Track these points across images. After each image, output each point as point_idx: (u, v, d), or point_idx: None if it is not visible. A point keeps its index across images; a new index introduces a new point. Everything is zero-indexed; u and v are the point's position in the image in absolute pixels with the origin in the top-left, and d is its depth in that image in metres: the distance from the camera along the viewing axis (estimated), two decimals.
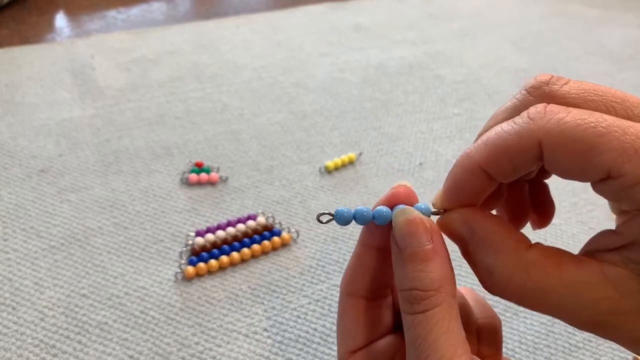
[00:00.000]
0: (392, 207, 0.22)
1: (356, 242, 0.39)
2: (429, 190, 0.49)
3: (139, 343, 0.35)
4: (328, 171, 0.50)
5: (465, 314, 0.24)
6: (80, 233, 0.42)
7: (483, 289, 0.21)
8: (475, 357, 0.20)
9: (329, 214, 0.22)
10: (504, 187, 0.23)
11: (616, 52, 0.74)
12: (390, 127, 0.57)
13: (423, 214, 0.21)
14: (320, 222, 0.22)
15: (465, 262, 0.21)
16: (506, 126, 0.19)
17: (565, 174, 0.19)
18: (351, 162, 0.51)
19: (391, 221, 0.21)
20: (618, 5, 0.87)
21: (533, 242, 0.20)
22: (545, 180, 0.25)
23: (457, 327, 0.19)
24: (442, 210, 0.22)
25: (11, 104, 0.56)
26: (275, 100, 0.59)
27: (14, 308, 0.37)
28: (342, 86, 0.62)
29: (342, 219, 0.21)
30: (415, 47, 0.71)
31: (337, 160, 0.50)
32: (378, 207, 0.21)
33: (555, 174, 0.19)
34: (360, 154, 0.52)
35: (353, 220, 0.22)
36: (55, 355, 0.34)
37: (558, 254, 0.19)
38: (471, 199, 0.21)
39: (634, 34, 0.79)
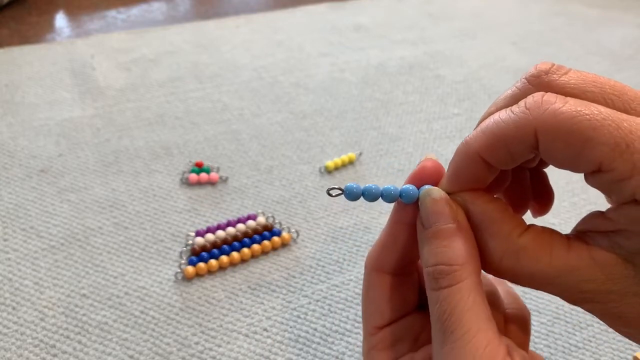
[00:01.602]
0: (419, 185, 0.22)
1: (357, 241, 0.39)
2: None
3: (139, 343, 0.35)
4: (328, 171, 0.50)
5: (493, 301, 0.24)
6: (80, 233, 0.42)
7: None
8: (502, 336, 0.20)
9: (339, 188, 0.22)
10: (508, 172, 0.24)
11: (616, 52, 0.74)
12: (390, 127, 0.57)
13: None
14: (330, 195, 0.22)
15: None
16: (504, 115, 0.19)
17: (559, 164, 0.19)
18: (351, 162, 0.51)
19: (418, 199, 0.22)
20: (618, 5, 0.87)
21: None
22: (548, 176, 0.25)
23: (482, 304, 0.20)
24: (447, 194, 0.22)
25: (11, 103, 0.56)
26: (275, 100, 0.59)
27: (14, 308, 0.37)
28: (342, 86, 0.62)
29: (351, 195, 0.22)
30: (415, 47, 0.71)
31: (337, 160, 0.50)
32: (405, 186, 0.22)
33: (549, 163, 0.20)
34: (360, 154, 0.52)
35: (362, 197, 0.22)
36: (55, 355, 0.34)
37: (550, 238, 0.20)
38: (472, 185, 0.21)
39: (633, 34, 0.79)
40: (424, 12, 0.81)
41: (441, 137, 0.55)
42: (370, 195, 0.22)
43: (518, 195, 0.25)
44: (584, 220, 0.21)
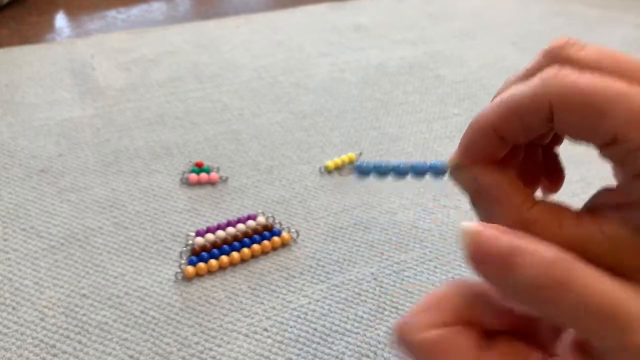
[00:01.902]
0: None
1: (357, 241, 0.39)
2: (429, 191, 0.49)
3: (139, 343, 0.35)
4: (328, 171, 0.50)
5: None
6: (80, 233, 0.42)
7: None
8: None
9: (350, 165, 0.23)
10: (521, 148, 0.24)
11: None
12: (390, 127, 0.57)
13: (439, 171, 0.22)
14: (341, 175, 0.23)
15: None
16: (519, 88, 0.20)
17: (574, 136, 0.19)
18: (351, 162, 0.51)
19: None
20: (618, 5, 0.87)
21: None
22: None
23: None
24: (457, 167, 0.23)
25: (11, 103, 0.56)
26: (275, 100, 0.59)
27: (14, 308, 0.37)
28: (342, 86, 0.62)
29: (362, 171, 0.22)
30: (415, 47, 0.71)
31: (337, 160, 0.50)
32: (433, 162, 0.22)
33: (564, 135, 0.20)
34: (360, 154, 0.52)
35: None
36: (55, 355, 0.34)
37: (559, 212, 0.20)
38: (484, 158, 0.21)
39: (633, 34, 0.79)
40: (424, 12, 0.81)
41: (441, 137, 0.55)
42: (381, 171, 0.22)
43: (530, 172, 0.25)
44: (594, 196, 0.21)
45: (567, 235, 0.19)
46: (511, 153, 0.22)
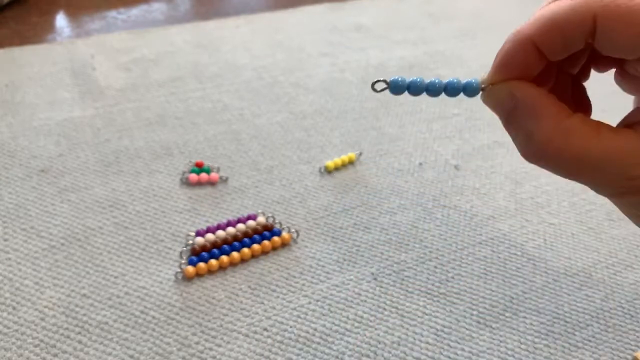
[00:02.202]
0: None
1: (357, 241, 0.39)
2: (428, 191, 0.49)
3: (139, 343, 0.35)
4: (328, 171, 0.50)
5: None
6: (80, 233, 0.42)
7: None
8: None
9: (384, 81, 0.22)
10: (552, 73, 0.24)
11: None
12: (390, 127, 0.57)
13: (473, 89, 0.22)
14: (375, 90, 0.22)
15: None
16: (560, 3, 0.20)
17: (615, 50, 0.19)
18: (351, 162, 0.51)
19: None
20: None
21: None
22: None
23: None
24: (490, 85, 0.22)
25: (11, 104, 0.56)
26: (275, 100, 0.59)
27: (14, 308, 0.37)
28: (342, 86, 0.62)
29: (396, 88, 0.22)
30: (415, 47, 0.71)
31: (337, 160, 0.50)
32: (449, 80, 0.22)
33: (604, 50, 0.20)
34: (360, 154, 0.52)
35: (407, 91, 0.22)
36: (55, 355, 0.34)
37: (597, 123, 0.20)
38: (520, 74, 0.21)
39: None
40: (424, 12, 0.81)
41: (441, 137, 0.56)
42: (416, 89, 0.22)
43: (560, 99, 0.25)
44: (629, 114, 0.21)
45: (606, 144, 0.19)
46: (543, 77, 0.22)
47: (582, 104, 0.25)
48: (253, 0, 0.84)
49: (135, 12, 0.79)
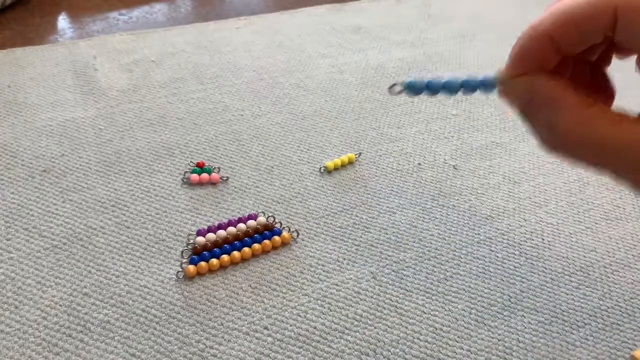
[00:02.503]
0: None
1: (356, 240, 0.39)
2: (427, 191, 0.49)
3: (141, 341, 0.36)
4: (328, 171, 0.50)
5: None
6: (82, 232, 0.43)
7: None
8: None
9: (400, 84, 0.23)
10: (569, 64, 0.24)
11: None
12: (389, 127, 0.57)
13: (490, 84, 0.22)
14: (393, 93, 0.23)
15: None
16: None
17: (635, 42, 0.19)
18: (351, 163, 0.52)
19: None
20: None
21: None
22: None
23: None
24: (508, 80, 0.23)
25: (14, 104, 0.56)
26: (275, 101, 0.60)
27: (16, 307, 0.37)
28: (341, 87, 0.63)
29: (413, 90, 0.22)
30: (414, 49, 0.72)
31: (337, 161, 0.51)
32: (466, 78, 0.22)
33: (626, 43, 0.20)
34: (360, 154, 0.53)
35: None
36: (57, 354, 0.35)
37: (617, 113, 0.20)
38: (536, 67, 0.21)
39: None
40: (422, 14, 0.81)
41: (440, 138, 0.56)
42: (434, 88, 0.22)
43: (578, 88, 0.25)
44: None
45: (627, 133, 0.19)
46: (560, 68, 0.22)
47: (604, 90, 0.25)
48: (254, 2, 0.85)
49: (137, 13, 0.79)
